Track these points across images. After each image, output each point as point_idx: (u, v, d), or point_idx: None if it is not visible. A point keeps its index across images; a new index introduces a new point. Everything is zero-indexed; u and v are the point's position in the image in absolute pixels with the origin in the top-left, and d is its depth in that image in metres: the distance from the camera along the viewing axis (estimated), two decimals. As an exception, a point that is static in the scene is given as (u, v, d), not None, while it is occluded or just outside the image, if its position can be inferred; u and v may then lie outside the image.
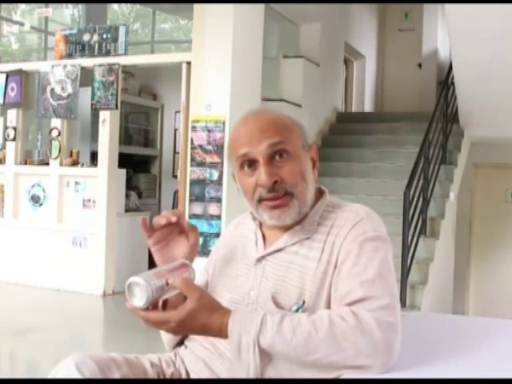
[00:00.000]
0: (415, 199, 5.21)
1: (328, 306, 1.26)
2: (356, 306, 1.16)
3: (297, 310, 1.26)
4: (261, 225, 1.43)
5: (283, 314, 1.17)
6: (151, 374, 1.39)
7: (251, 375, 1.13)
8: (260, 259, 1.37)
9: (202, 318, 1.16)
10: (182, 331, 1.20)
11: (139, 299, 1.15)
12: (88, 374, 1.25)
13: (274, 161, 1.31)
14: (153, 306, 1.17)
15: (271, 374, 1.14)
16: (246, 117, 1.38)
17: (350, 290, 1.20)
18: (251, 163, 1.33)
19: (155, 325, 1.19)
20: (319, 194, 1.42)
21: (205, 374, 1.35)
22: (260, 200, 1.33)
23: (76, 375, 1.25)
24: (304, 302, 1.27)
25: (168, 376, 1.41)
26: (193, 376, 1.39)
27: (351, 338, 1.10)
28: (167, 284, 1.17)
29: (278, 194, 1.31)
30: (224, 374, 1.32)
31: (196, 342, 1.40)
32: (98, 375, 1.27)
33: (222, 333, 1.16)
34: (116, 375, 1.31)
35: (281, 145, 1.31)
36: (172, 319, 1.16)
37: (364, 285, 1.19)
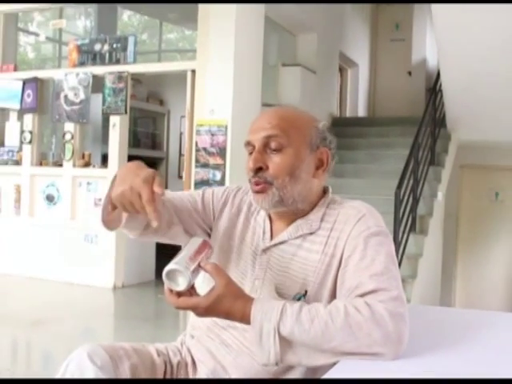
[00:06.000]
0: (405, 198, 5.21)
1: (330, 296, 1.26)
2: (368, 297, 1.15)
3: (299, 299, 1.25)
4: (270, 216, 1.42)
5: (301, 303, 1.17)
6: (158, 363, 1.39)
7: (271, 360, 1.13)
8: (265, 250, 1.37)
9: (227, 304, 1.16)
10: (209, 315, 1.20)
11: (179, 285, 1.16)
12: (99, 363, 1.26)
13: (268, 150, 1.32)
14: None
15: (290, 358, 1.14)
16: (268, 109, 1.40)
17: (361, 283, 1.19)
18: (252, 149, 1.34)
19: (185, 309, 1.19)
20: (323, 192, 1.41)
21: (210, 364, 1.34)
22: (251, 182, 1.34)
23: (88, 364, 1.24)
24: (306, 292, 1.27)
25: (174, 364, 1.41)
26: (199, 365, 1.38)
27: (365, 328, 1.10)
28: (199, 265, 1.18)
29: (259, 180, 1.32)
30: (230, 364, 1.31)
31: (201, 332, 1.40)
32: (109, 364, 1.28)
33: (244, 319, 1.16)
34: (126, 364, 1.31)
35: (276, 138, 1.31)
36: (200, 305, 1.16)
37: (374, 277, 1.18)
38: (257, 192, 1.33)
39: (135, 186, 1.17)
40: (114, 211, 1.28)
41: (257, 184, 1.32)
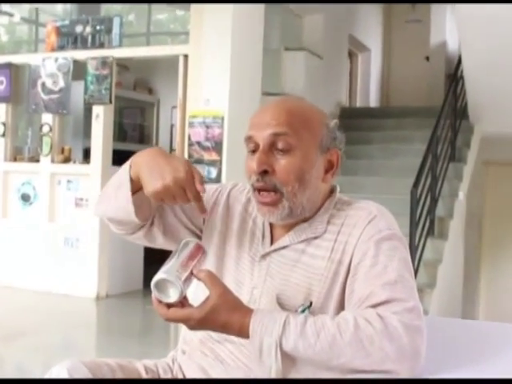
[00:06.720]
0: (423, 198, 5.22)
1: (338, 307, 1.26)
2: (380, 308, 1.15)
3: (303, 311, 1.24)
4: None
5: (306, 315, 1.17)
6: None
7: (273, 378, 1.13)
8: (265, 256, 1.36)
9: (223, 316, 1.15)
10: (203, 328, 1.19)
11: (170, 296, 1.15)
12: (81, 381, 1.26)
13: (275, 151, 1.30)
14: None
15: (294, 376, 1.14)
16: (273, 100, 1.38)
17: (372, 292, 1.18)
18: (255, 147, 1.32)
19: (175, 322, 1.19)
20: (329, 192, 1.40)
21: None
22: (254, 188, 1.33)
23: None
24: (311, 304, 1.26)
25: (164, 383, 1.41)
26: None
27: (377, 343, 1.10)
28: (191, 273, 1.18)
29: (266, 186, 1.29)
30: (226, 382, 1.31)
31: (194, 347, 1.39)
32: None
33: (242, 333, 1.16)
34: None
35: (285, 136, 1.28)
36: (193, 317, 1.15)
37: (386, 287, 1.18)
38: (264, 204, 1.31)
39: (178, 180, 1.23)
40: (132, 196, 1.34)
41: (265, 190, 1.30)
